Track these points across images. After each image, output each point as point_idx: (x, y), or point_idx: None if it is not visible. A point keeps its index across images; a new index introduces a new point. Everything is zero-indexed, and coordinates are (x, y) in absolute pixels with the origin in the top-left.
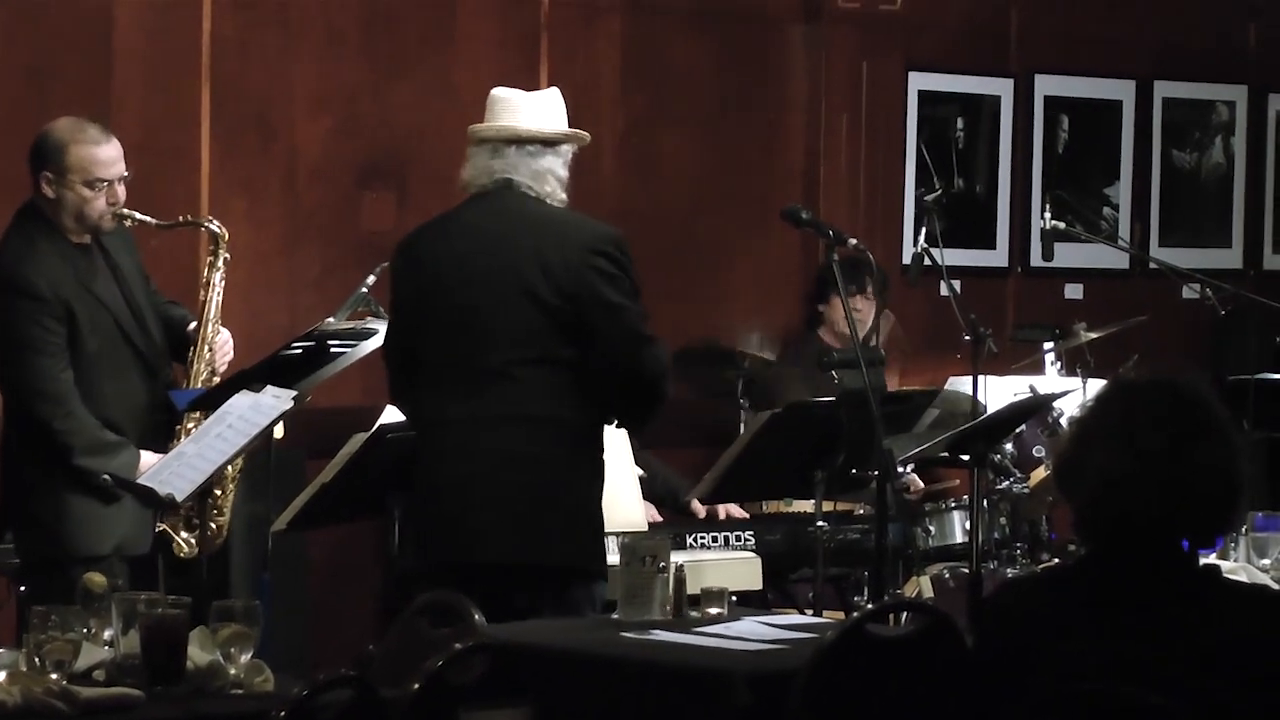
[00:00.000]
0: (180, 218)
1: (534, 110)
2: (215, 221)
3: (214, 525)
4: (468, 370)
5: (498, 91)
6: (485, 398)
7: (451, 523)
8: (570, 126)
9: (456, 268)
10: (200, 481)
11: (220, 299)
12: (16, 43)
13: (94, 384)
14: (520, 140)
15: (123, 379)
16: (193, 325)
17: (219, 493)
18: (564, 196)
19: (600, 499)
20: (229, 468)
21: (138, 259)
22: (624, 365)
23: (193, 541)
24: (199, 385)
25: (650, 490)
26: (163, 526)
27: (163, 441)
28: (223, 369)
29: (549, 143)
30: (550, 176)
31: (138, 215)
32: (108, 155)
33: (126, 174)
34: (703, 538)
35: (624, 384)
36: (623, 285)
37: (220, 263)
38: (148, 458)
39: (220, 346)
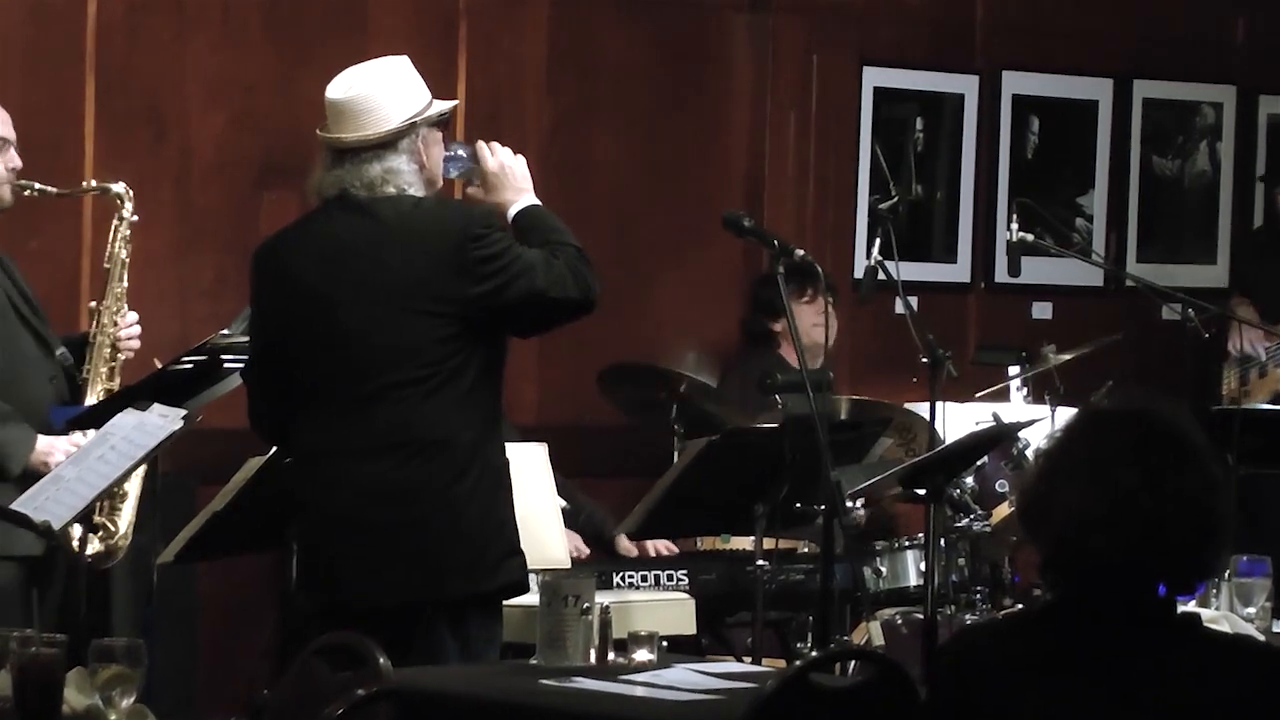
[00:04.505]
0: (84, 183)
1: (361, 113)
2: (121, 183)
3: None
4: (346, 394)
5: (329, 94)
6: (366, 423)
7: (334, 560)
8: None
9: (324, 284)
10: (80, 508)
11: (126, 267)
12: None
13: None
14: (351, 149)
15: (13, 349)
16: (93, 304)
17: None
18: (421, 187)
19: (508, 514)
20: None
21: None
22: (552, 318)
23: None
24: (100, 373)
25: (573, 525)
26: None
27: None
28: (126, 357)
29: (385, 144)
30: (393, 177)
31: (37, 185)
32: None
33: (13, 140)
34: (631, 577)
35: (560, 320)
36: (500, 260)
37: (126, 228)
38: (44, 440)
39: (127, 327)
